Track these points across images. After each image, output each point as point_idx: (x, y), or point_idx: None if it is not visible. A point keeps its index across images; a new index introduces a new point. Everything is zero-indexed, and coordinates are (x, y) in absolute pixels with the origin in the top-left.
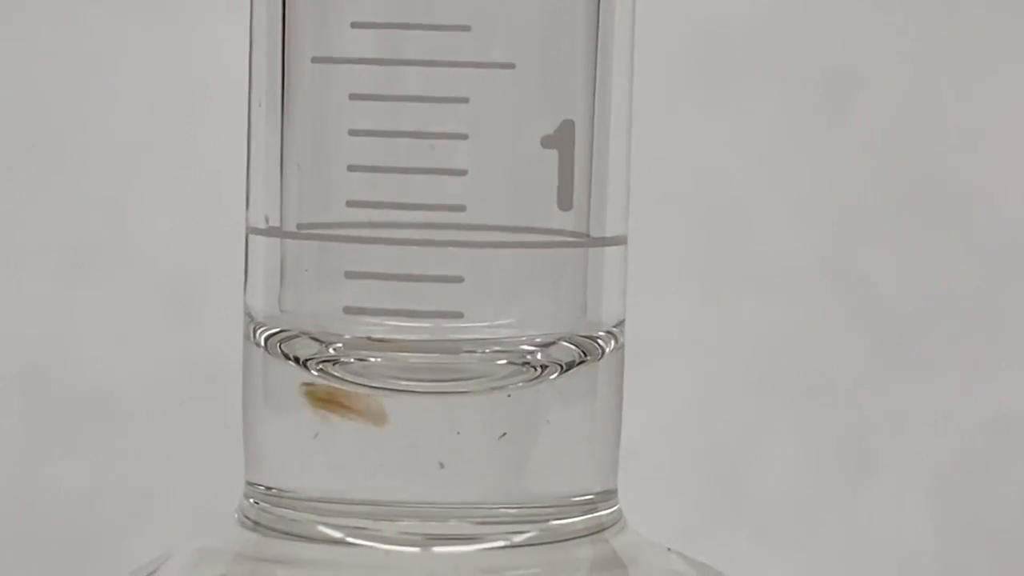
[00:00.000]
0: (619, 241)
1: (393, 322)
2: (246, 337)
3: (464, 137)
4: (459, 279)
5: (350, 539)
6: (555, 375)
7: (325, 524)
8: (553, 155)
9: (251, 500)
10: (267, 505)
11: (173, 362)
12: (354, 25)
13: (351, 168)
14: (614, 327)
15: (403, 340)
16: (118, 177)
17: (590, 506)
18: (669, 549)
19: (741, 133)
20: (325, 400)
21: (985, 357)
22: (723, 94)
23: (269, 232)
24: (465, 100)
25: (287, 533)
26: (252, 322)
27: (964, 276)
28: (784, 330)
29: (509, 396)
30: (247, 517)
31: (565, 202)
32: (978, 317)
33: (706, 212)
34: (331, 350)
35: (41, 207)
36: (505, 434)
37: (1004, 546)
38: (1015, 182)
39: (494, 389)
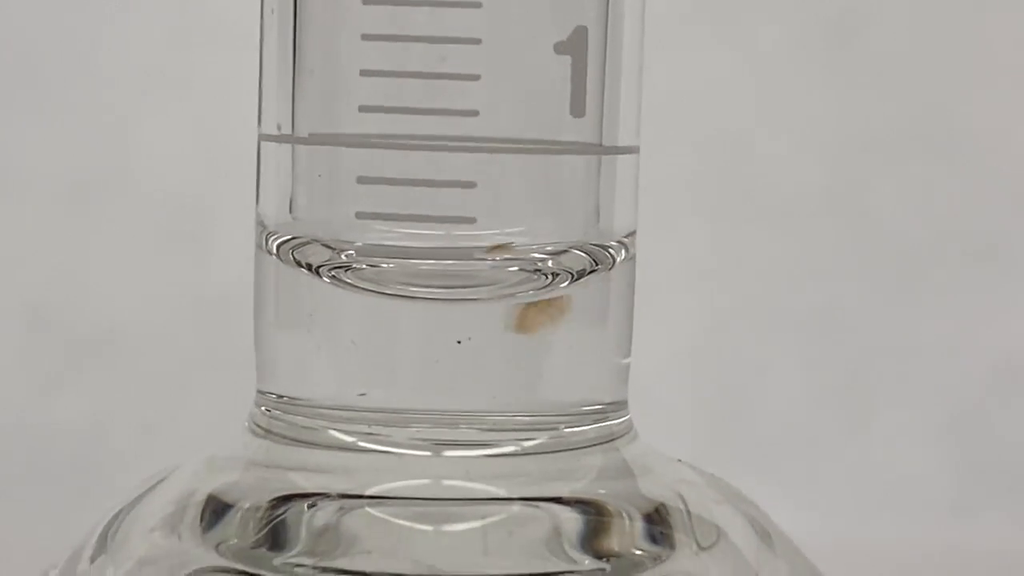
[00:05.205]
0: (631, 150)
1: (405, 228)
2: (258, 246)
3: (477, 42)
4: (471, 184)
5: (361, 444)
6: (566, 283)
7: (336, 430)
8: (566, 61)
9: (262, 408)
10: (278, 413)
11: (178, 294)
12: None
13: (364, 73)
14: (625, 237)
15: (415, 247)
16: (120, 109)
17: (601, 415)
18: (679, 460)
19: (748, 67)
20: (534, 317)
21: (993, 292)
22: (730, 28)
23: (281, 139)
24: (478, 5)
25: (298, 440)
26: (264, 230)
27: (972, 211)
28: (790, 264)
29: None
30: (258, 425)
31: (578, 109)
32: (986, 251)
33: (712, 146)
34: (343, 256)
35: (43, 140)
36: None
37: (1013, 480)
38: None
39: (505, 296)
